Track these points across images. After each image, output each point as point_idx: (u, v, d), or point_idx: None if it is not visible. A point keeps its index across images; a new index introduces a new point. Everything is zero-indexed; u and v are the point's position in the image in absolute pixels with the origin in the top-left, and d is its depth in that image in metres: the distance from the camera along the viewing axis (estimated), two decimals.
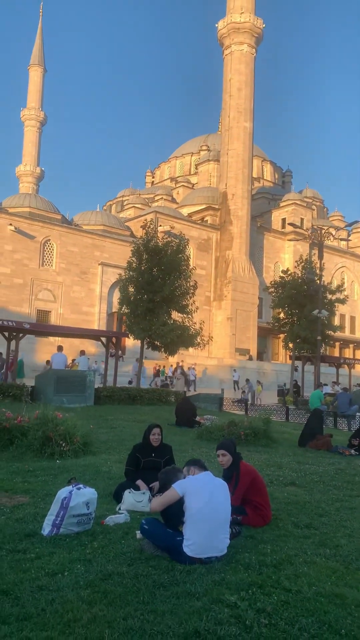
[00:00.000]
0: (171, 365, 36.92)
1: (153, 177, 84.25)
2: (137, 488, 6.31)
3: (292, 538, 5.33)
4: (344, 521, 6.06)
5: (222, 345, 51.02)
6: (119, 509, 5.93)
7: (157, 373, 35.17)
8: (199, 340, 23.46)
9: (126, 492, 6.08)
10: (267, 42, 71.33)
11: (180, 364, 34.46)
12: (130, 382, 27.56)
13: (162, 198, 65.15)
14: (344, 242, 63.91)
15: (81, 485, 5.22)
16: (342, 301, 30.58)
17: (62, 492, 5.09)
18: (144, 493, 6.14)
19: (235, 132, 52.50)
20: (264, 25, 54.04)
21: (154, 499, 5.20)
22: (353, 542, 5.33)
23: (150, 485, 6.37)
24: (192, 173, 75.89)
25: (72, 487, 5.14)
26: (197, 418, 14.80)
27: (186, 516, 4.44)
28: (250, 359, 49.91)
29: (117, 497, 6.24)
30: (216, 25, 54.86)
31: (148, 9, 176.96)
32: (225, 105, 53.81)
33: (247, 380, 31.12)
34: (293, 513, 6.24)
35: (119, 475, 7.27)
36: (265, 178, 77.68)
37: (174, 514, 4.62)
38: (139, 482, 6.44)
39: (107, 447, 10.12)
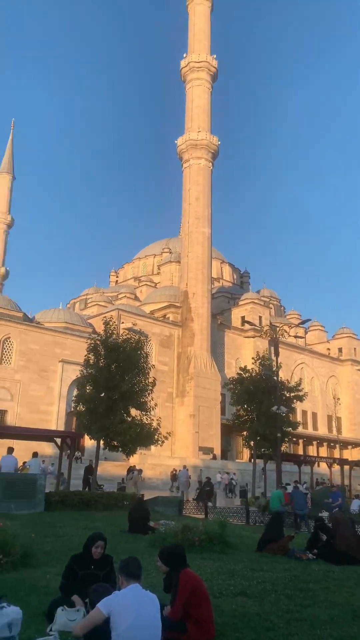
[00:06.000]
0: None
1: (117, 277, 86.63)
2: (72, 604, 5.80)
3: None
4: (292, 635, 5.72)
5: (185, 443, 49.92)
6: (50, 629, 5.41)
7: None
8: (157, 437, 22.93)
9: (58, 610, 5.58)
10: (223, 154, 77.34)
11: (134, 466, 33.16)
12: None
13: (125, 296, 66.55)
14: (301, 340, 65.82)
15: (5, 604, 4.81)
16: (300, 398, 30.84)
17: None
18: (78, 610, 5.64)
19: (194, 236, 55.31)
20: (219, 142, 59.13)
21: (78, 622, 4.79)
22: None
23: (85, 600, 5.87)
24: (154, 273, 78.50)
25: None
26: (152, 523, 14.07)
27: (113, 636, 4.09)
28: (214, 458, 48.78)
29: (50, 616, 5.69)
30: (176, 142, 59.70)
31: (115, 124, 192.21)
32: (185, 213, 57.16)
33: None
34: (239, 627, 5.85)
35: (57, 590, 6.70)
36: (224, 278, 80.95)
37: (101, 635, 4.26)
38: (74, 598, 5.89)
39: (50, 558, 9.43)
